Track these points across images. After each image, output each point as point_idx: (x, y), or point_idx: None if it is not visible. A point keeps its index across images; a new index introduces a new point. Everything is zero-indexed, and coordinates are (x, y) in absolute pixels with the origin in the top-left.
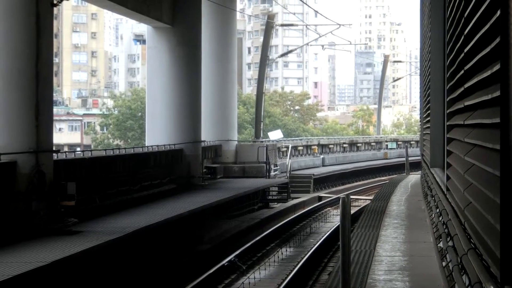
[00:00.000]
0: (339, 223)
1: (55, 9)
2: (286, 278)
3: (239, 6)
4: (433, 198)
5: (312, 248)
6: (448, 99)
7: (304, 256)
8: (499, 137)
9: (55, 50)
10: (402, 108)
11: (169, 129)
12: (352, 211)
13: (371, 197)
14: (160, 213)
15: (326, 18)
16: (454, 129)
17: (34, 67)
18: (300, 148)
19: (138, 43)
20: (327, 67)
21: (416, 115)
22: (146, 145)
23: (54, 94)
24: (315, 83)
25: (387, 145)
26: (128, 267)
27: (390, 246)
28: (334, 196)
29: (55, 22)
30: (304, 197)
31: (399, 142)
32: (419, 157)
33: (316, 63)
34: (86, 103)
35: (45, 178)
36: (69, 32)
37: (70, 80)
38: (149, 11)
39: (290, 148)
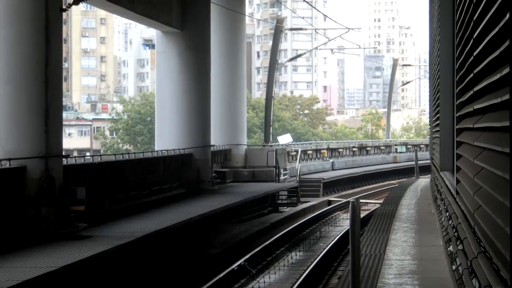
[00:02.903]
0: (348, 227)
1: (64, 14)
2: (296, 282)
3: (248, 10)
4: (443, 202)
5: (322, 252)
6: (457, 102)
7: (314, 260)
8: (508, 140)
9: (64, 55)
10: (412, 112)
11: (178, 134)
12: (362, 215)
13: (380, 201)
14: (169, 217)
15: (335, 22)
16: (463, 132)
17: (43, 72)
18: (310, 152)
19: (147, 47)
20: (336, 71)
21: (426, 119)
22: (156, 149)
23: (63, 99)
24: (324, 87)
25: (396, 149)
26: (138, 271)
27: (400, 250)
28: (344, 200)
29: (64, 27)
30: (314, 201)
31: (408, 146)
32: (429, 161)
33: (325, 67)
34: (96, 108)
35: (54, 183)
36: (78, 37)
37: (79, 85)
38: (158, 15)
39: (299, 152)
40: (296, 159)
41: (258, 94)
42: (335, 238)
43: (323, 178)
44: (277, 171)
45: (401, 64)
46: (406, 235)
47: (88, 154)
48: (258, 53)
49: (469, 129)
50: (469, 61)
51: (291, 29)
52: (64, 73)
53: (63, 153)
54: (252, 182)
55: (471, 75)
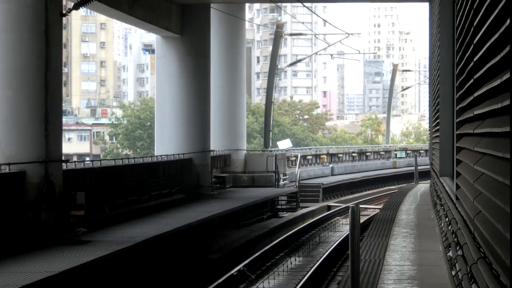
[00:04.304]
0: (348, 232)
1: (64, 19)
2: (295, 287)
3: (248, 15)
4: (443, 207)
5: (321, 257)
6: (457, 108)
7: (313, 266)
8: (509, 146)
9: (64, 60)
10: (411, 117)
11: (178, 139)
12: (361, 220)
13: (380, 206)
14: (169, 222)
15: (335, 27)
16: (463, 138)
17: (43, 77)
18: (309, 157)
19: (147, 52)
20: (336, 76)
21: (425, 124)
22: (155, 154)
23: (63, 104)
24: (324, 92)
25: (396, 154)
26: (138, 276)
27: (399, 255)
28: (343, 205)
29: (64, 32)
30: (313, 207)
31: (408, 151)
32: (428, 166)
33: (325, 72)
34: (95, 113)
35: (54, 188)
36: (78, 42)
37: (79, 90)
38: (158, 20)
39: (299, 157)
40: (296, 164)
41: (258, 99)
42: (334, 243)
43: (322, 183)
44: (277, 176)
45: (401, 70)
46: (405, 240)
47: (87, 159)
48: (258, 58)
49: (469, 134)
50: (469, 66)
51: (291, 35)
52: (64, 78)
53: (63, 158)
54: (252, 187)
55: (471, 80)
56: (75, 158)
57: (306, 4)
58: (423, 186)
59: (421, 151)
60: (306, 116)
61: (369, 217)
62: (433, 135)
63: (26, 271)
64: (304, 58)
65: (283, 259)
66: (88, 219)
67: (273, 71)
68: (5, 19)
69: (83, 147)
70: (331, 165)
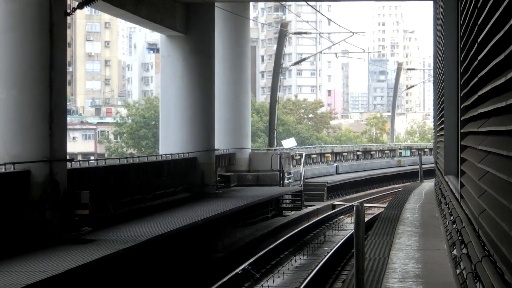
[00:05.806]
0: (352, 231)
1: (68, 18)
2: (299, 286)
3: (252, 14)
4: (447, 206)
5: (326, 256)
6: (462, 106)
7: (318, 264)
8: None
9: (68, 59)
10: (416, 116)
11: (183, 138)
12: (366, 219)
13: (385, 205)
14: (174, 221)
15: (340, 26)
16: (468, 136)
17: (48, 76)
18: (314, 156)
19: (151, 51)
20: (340, 75)
21: (430, 123)
22: (160, 153)
23: (67, 103)
24: (329, 91)
25: (400, 153)
26: (143, 275)
27: (404, 254)
28: (348, 204)
29: (68, 31)
30: (318, 205)
31: (412, 150)
32: (433, 165)
33: (330, 71)
34: (100, 112)
35: (59, 187)
36: (82, 41)
37: (84, 89)
38: (163, 19)
39: (303, 156)
40: (300, 163)
41: (263, 98)
42: (339, 242)
43: (327, 182)
44: (281, 175)
45: (405, 68)
46: (410, 239)
47: (92, 158)
48: (262, 57)
49: (474, 133)
50: (473, 65)
51: (296, 33)
52: (68, 77)
53: (68, 157)
54: (256, 186)
55: (476, 79)
56: (79, 157)
57: (310, 2)
58: (428, 185)
59: (425, 150)
60: (310, 115)
61: (373, 215)
62: (438, 134)
63: (30, 270)
64: (309, 57)
65: (287, 258)
66: (93, 218)
67: (277, 70)
68: (10, 18)
69: (87, 146)
70: (335, 164)
